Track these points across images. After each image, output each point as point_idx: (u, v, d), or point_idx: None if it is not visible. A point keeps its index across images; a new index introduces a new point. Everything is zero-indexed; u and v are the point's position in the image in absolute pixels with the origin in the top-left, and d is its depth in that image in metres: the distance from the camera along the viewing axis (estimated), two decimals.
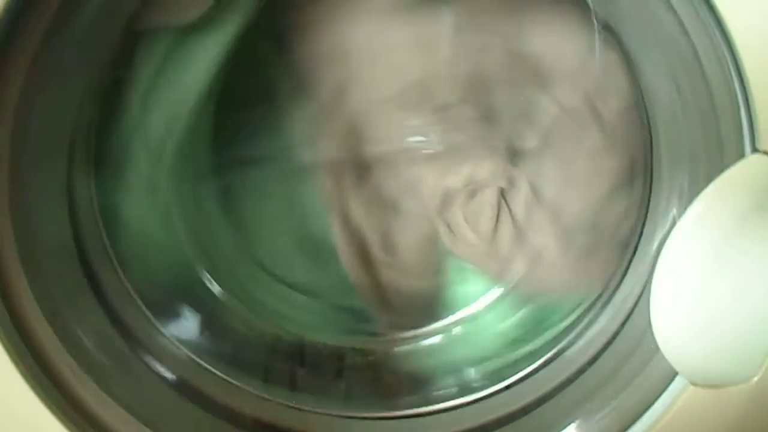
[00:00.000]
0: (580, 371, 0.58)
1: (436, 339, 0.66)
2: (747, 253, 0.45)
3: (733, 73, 0.43)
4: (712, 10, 0.41)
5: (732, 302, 0.46)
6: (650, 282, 0.48)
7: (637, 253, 0.59)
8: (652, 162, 0.56)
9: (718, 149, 0.46)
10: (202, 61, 0.54)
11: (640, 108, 0.56)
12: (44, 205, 0.49)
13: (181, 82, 0.55)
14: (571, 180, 0.62)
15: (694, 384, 0.48)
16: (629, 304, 0.57)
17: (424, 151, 0.64)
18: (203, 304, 0.63)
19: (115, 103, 0.54)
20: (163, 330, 0.59)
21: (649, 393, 0.51)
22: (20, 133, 0.44)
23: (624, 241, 0.59)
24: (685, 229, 0.46)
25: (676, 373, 0.49)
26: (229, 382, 0.61)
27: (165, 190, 0.59)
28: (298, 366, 0.64)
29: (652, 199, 0.57)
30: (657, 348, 0.48)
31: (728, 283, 0.45)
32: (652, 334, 0.48)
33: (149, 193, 0.58)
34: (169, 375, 0.57)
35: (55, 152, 0.49)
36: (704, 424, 0.49)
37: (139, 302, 0.58)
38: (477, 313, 0.67)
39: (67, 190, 0.51)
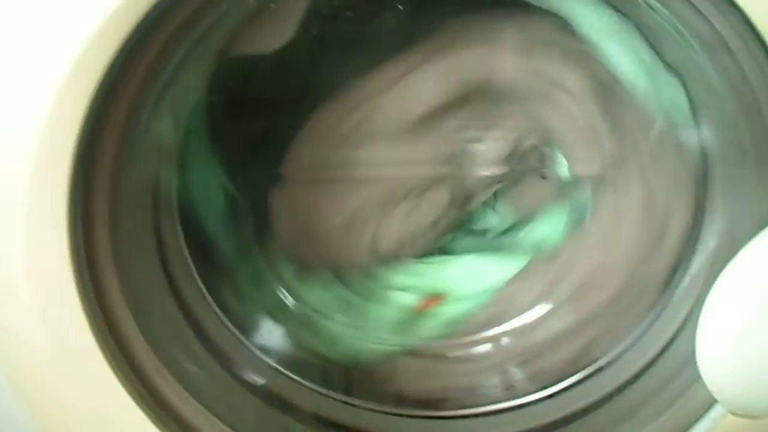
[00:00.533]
0: (622, 388, 0.61)
1: (486, 347, 0.69)
2: None
3: None
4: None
5: None
6: (696, 308, 0.50)
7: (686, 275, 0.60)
8: (705, 199, 0.58)
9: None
10: None
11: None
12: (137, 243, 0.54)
13: None
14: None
15: (733, 413, 0.51)
16: (675, 326, 0.59)
17: None
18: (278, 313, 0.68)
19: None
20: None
21: (687, 418, 0.53)
22: (116, 190, 0.49)
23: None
24: (740, 266, 0.48)
25: (715, 401, 0.52)
26: (291, 378, 0.66)
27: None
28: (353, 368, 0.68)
29: (701, 234, 0.59)
30: (699, 376, 0.50)
31: None
32: (695, 361, 0.50)
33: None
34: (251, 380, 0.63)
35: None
36: None
37: (222, 316, 0.63)
38: (528, 326, 0.69)
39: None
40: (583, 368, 0.64)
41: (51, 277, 0.47)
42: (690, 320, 0.57)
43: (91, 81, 0.43)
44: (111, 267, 0.50)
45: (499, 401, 0.66)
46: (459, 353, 0.69)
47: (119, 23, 0.42)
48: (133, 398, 0.50)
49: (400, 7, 0.59)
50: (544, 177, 0.72)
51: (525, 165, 0.71)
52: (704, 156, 0.58)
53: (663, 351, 0.60)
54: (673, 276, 0.62)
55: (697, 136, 0.59)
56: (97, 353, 0.49)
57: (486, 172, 0.67)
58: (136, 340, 0.52)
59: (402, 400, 0.67)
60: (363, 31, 0.59)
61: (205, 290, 0.63)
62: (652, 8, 0.49)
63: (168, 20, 0.44)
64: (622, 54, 0.59)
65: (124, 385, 0.50)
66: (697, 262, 0.60)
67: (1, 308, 0.47)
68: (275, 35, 0.53)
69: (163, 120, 0.51)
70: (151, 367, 0.53)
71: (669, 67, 0.58)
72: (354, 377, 0.68)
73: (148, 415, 0.51)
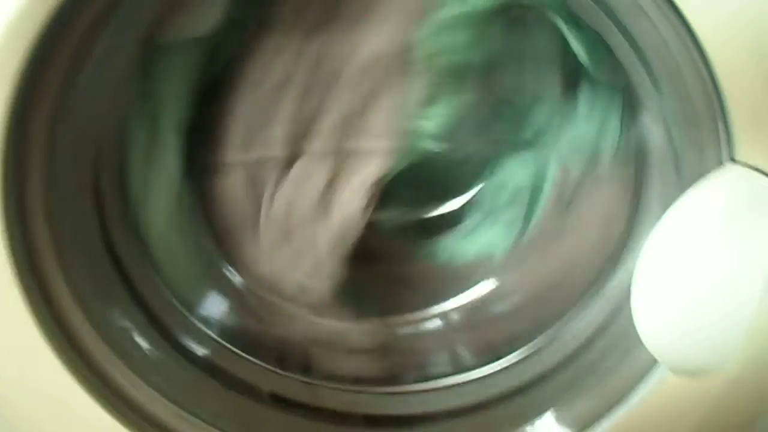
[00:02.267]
0: (572, 357, 0.61)
1: (436, 322, 0.69)
2: (722, 252, 0.47)
3: (711, 87, 0.45)
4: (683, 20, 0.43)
5: (708, 296, 0.48)
6: None
7: (626, 248, 0.61)
8: (645, 164, 0.59)
9: (699, 156, 0.48)
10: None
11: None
12: (76, 208, 0.53)
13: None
14: None
15: (674, 372, 0.51)
16: (622, 293, 0.58)
17: None
18: (227, 291, 0.67)
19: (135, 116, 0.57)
20: (189, 314, 0.63)
21: (630, 380, 0.53)
22: (51, 145, 0.48)
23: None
24: (666, 228, 0.49)
25: (656, 362, 0.52)
26: (249, 360, 0.66)
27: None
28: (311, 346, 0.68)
29: (642, 197, 0.59)
30: (639, 340, 0.51)
31: (705, 278, 0.47)
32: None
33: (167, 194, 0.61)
34: (196, 355, 0.62)
35: (83, 161, 0.53)
36: (682, 410, 0.51)
37: (168, 293, 0.62)
38: (476, 301, 0.69)
39: (94, 193, 0.55)
40: (533, 339, 0.65)
41: None
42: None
43: (12, 66, 0.42)
44: (51, 253, 0.50)
45: (453, 374, 0.67)
46: (410, 330, 0.69)
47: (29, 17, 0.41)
48: (84, 387, 0.50)
49: None
50: None
51: None
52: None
53: (611, 317, 0.60)
54: (619, 248, 0.63)
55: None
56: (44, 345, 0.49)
57: None
58: (81, 325, 0.52)
59: (359, 378, 0.67)
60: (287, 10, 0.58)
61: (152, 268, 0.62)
62: None
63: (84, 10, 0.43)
64: None
65: (74, 375, 0.50)
66: (642, 235, 0.59)
67: None
68: (201, 20, 0.53)
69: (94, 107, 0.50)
70: (99, 353, 0.53)
71: None
72: (311, 357, 0.68)
73: (100, 402, 0.51)
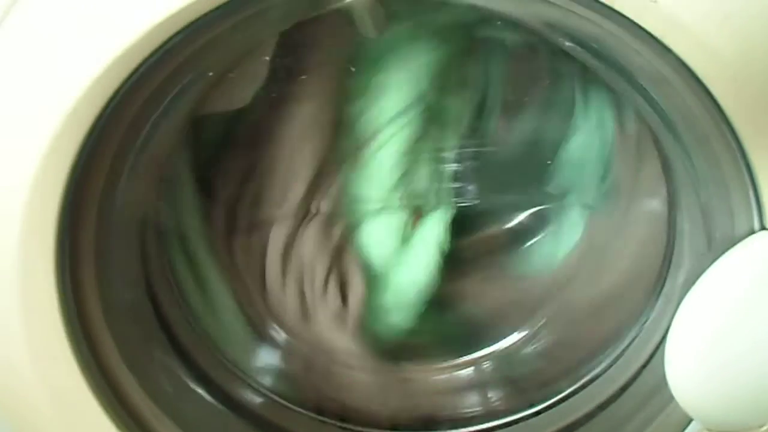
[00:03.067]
0: (603, 406, 0.61)
1: (468, 371, 0.70)
2: (755, 316, 0.48)
3: (739, 155, 0.45)
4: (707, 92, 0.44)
5: (743, 356, 0.49)
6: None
7: (658, 301, 0.62)
8: (675, 222, 0.59)
9: (730, 222, 0.48)
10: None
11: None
12: (123, 272, 0.55)
13: None
14: None
15: (709, 429, 0.52)
16: (654, 345, 0.59)
17: None
18: (269, 346, 0.69)
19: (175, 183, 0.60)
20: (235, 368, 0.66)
21: None
22: (102, 218, 0.50)
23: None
24: (701, 291, 0.49)
25: (691, 419, 0.53)
26: (290, 409, 0.68)
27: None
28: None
29: (673, 257, 0.60)
30: (672, 396, 0.51)
31: (739, 339, 0.48)
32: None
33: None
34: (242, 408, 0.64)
35: (130, 233, 0.56)
36: None
37: (213, 348, 0.64)
38: (508, 349, 0.70)
39: (142, 262, 0.58)
40: (566, 388, 0.65)
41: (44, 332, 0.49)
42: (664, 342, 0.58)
43: (68, 155, 0.44)
44: (101, 318, 0.52)
45: (486, 421, 0.67)
46: (443, 377, 0.70)
47: (92, 100, 0.43)
48: None
49: (352, 69, 0.61)
50: None
51: None
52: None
53: (643, 368, 0.60)
54: (649, 299, 0.63)
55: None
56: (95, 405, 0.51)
57: None
58: (132, 387, 0.54)
59: (396, 424, 0.68)
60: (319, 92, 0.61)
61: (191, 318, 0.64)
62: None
63: (137, 94, 0.45)
64: None
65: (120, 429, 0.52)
66: (670, 286, 0.60)
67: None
68: (236, 98, 0.56)
69: (140, 183, 0.53)
70: (149, 412, 0.54)
71: None
72: (348, 405, 0.69)
73: None
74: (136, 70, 0.44)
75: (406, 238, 0.68)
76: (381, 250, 0.68)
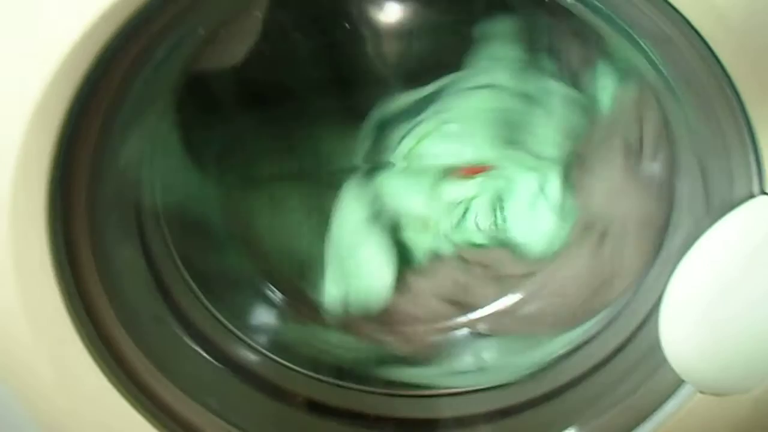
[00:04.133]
0: (595, 368, 0.62)
1: (464, 331, 0.70)
2: (752, 279, 0.47)
3: (742, 119, 0.44)
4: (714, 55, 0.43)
5: (737, 321, 0.48)
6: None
7: (654, 266, 0.61)
8: (674, 185, 0.58)
9: (729, 186, 0.47)
10: None
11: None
12: (117, 229, 0.55)
13: None
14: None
15: (701, 391, 0.52)
16: (646, 309, 0.59)
17: None
18: (265, 306, 0.69)
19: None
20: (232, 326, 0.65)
21: (656, 397, 0.53)
22: (94, 176, 0.49)
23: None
24: (697, 254, 0.49)
25: (683, 381, 0.53)
26: (286, 367, 0.68)
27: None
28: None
29: (671, 220, 0.59)
30: (665, 359, 0.51)
31: (734, 303, 0.48)
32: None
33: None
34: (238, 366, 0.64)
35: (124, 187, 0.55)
36: (708, 429, 0.52)
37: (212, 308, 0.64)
38: (502, 311, 0.70)
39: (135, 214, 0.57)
40: (559, 349, 0.65)
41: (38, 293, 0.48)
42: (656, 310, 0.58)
43: (59, 111, 0.43)
44: (96, 278, 0.52)
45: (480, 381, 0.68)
46: (437, 337, 0.70)
47: (81, 55, 0.42)
48: (129, 402, 0.52)
49: (346, 25, 0.59)
50: None
51: None
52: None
53: (635, 332, 0.60)
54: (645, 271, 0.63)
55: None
56: (94, 367, 0.51)
57: None
58: (128, 345, 0.54)
59: (391, 382, 0.69)
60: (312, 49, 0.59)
61: (187, 278, 0.64)
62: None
63: (127, 50, 0.44)
64: None
65: (118, 390, 0.52)
66: (667, 250, 0.60)
67: None
68: (228, 55, 0.54)
69: (133, 142, 0.52)
70: (145, 370, 0.54)
71: None
72: (344, 362, 0.70)
73: (146, 417, 0.52)
74: (125, 25, 0.42)
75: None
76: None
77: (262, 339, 0.67)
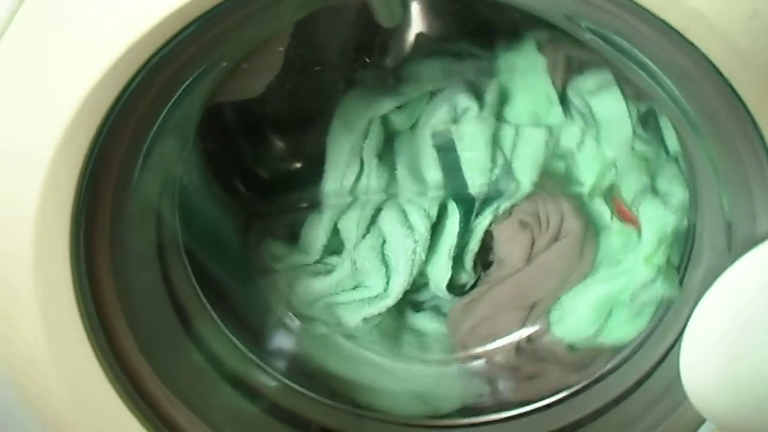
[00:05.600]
0: (614, 403, 0.61)
1: (480, 362, 0.68)
2: None
3: (763, 156, 0.44)
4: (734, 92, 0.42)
5: (759, 360, 0.48)
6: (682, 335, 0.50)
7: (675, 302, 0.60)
8: (694, 230, 0.58)
9: (752, 224, 0.47)
10: None
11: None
12: (138, 257, 0.56)
13: None
14: None
15: (722, 430, 0.51)
16: (666, 345, 0.58)
17: None
18: (284, 331, 0.69)
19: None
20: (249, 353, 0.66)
21: None
22: (117, 207, 0.50)
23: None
24: (720, 290, 0.48)
25: (704, 419, 0.51)
26: (302, 394, 0.68)
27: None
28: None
29: (692, 254, 0.59)
30: (686, 396, 0.50)
31: (756, 342, 0.47)
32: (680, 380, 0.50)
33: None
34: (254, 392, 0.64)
35: (146, 217, 0.55)
36: None
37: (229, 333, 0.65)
38: (520, 342, 0.69)
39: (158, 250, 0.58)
40: (576, 383, 0.65)
41: (60, 320, 0.49)
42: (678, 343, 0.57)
43: (83, 146, 0.44)
44: (117, 305, 0.52)
45: (496, 412, 0.67)
46: (454, 367, 0.69)
47: (106, 90, 0.43)
48: (146, 428, 0.52)
49: (367, 60, 0.59)
50: None
51: None
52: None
53: (655, 368, 0.59)
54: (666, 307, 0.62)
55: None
56: (111, 392, 0.51)
57: None
58: (146, 371, 0.54)
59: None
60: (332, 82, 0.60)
61: (207, 304, 0.64)
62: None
63: (152, 83, 0.45)
64: None
65: (135, 415, 0.52)
66: (688, 285, 0.59)
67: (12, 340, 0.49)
68: (249, 88, 0.55)
69: (156, 171, 0.52)
70: (159, 394, 0.54)
71: None
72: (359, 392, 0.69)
73: None
74: (150, 59, 0.43)
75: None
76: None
77: (279, 365, 0.67)
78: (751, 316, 0.47)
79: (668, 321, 0.60)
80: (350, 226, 0.64)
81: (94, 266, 0.50)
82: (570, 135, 0.60)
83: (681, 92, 0.46)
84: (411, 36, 0.65)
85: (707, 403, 0.50)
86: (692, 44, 0.41)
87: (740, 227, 0.48)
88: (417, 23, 0.65)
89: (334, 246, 0.68)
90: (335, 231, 0.66)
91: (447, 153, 0.60)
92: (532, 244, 0.63)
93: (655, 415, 0.56)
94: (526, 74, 0.61)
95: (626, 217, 0.62)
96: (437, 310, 0.72)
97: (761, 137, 0.43)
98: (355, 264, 0.65)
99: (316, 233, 0.65)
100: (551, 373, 0.66)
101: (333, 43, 0.57)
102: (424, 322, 0.70)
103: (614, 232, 0.63)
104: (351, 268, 0.65)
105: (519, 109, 0.62)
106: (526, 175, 0.59)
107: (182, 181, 0.58)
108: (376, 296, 0.64)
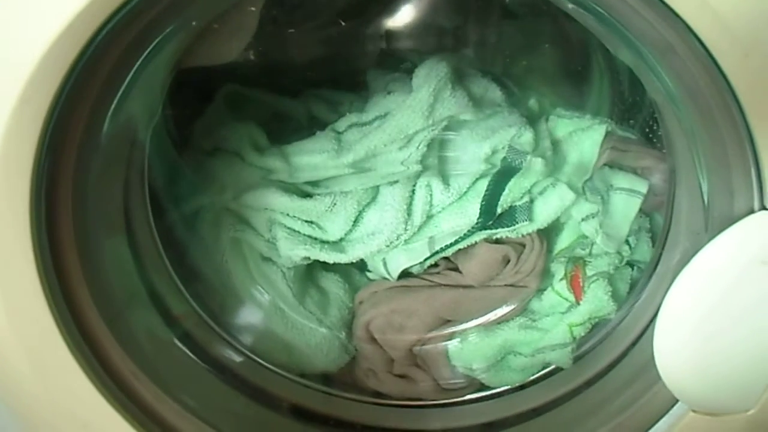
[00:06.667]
0: (589, 383, 0.61)
1: (454, 342, 0.68)
2: (748, 298, 0.46)
3: (745, 134, 0.43)
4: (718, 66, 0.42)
5: (732, 340, 0.47)
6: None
7: (651, 280, 0.60)
8: (673, 200, 0.57)
9: (729, 201, 0.46)
10: None
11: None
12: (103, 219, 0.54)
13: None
14: None
15: (694, 411, 0.51)
16: (641, 326, 0.59)
17: None
18: (255, 307, 0.67)
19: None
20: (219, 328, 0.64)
21: (649, 416, 0.52)
22: (81, 166, 0.47)
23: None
24: (694, 270, 0.47)
25: (677, 399, 0.51)
26: (273, 371, 0.66)
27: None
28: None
29: (669, 236, 0.58)
30: (660, 377, 0.50)
31: (729, 322, 0.47)
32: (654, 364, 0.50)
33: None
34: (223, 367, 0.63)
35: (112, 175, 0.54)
36: None
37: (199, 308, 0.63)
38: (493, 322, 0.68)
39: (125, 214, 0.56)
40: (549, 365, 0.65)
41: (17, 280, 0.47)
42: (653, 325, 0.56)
43: (42, 107, 0.42)
44: (80, 272, 0.50)
45: (473, 392, 0.67)
46: (429, 346, 0.68)
47: (70, 42, 0.41)
48: (110, 403, 0.50)
49: (342, 22, 0.58)
50: None
51: None
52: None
53: (629, 349, 0.60)
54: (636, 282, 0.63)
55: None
56: (72, 363, 0.49)
57: None
58: (110, 344, 0.52)
59: (380, 393, 0.68)
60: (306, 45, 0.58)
61: (177, 279, 0.63)
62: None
63: (117, 40, 0.43)
64: None
65: (100, 391, 0.50)
66: (664, 266, 0.59)
67: None
68: (222, 52, 0.53)
69: (122, 132, 0.50)
70: (126, 370, 0.53)
71: None
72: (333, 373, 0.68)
73: (127, 419, 0.51)
74: (116, 13, 0.41)
75: None
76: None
77: (248, 340, 0.66)
78: (723, 296, 0.47)
79: (643, 303, 0.60)
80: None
81: (57, 236, 0.48)
82: (581, 209, 0.62)
83: (662, 66, 0.46)
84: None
85: (680, 383, 0.49)
86: (677, 15, 0.40)
87: (717, 206, 0.48)
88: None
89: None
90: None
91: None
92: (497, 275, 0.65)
93: (629, 396, 0.55)
94: (582, 140, 0.63)
95: (575, 286, 0.64)
96: (346, 277, 0.71)
97: (742, 113, 0.42)
98: (333, 203, 0.62)
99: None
100: (422, 382, 0.68)
101: (307, 5, 0.55)
102: (329, 284, 0.70)
103: (554, 292, 0.65)
104: (327, 203, 0.62)
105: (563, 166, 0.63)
106: (540, 218, 0.61)
107: (151, 146, 0.56)
108: (326, 242, 0.63)
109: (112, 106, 0.48)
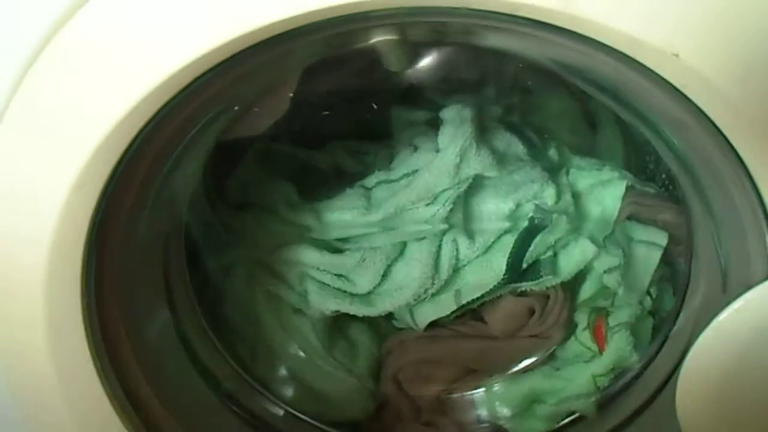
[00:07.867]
0: None
1: (479, 392, 0.70)
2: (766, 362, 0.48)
3: (756, 201, 0.45)
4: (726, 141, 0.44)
5: (752, 401, 0.49)
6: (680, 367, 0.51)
7: (674, 328, 0.62)
8: (692, 250, 0.59)
9: (746, 267, 0.48)
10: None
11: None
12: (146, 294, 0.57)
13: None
14: None
15: None
16: (662, 377, 0.60)
17: None
18: (286, 360, 0.69)
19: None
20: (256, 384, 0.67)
21: None
22: (126, 241, 0.51)
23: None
24: (715, 332, 0.49)
25: None
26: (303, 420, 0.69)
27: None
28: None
29: (690, 284, 0.60)
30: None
31: (749, 385, 0.49)
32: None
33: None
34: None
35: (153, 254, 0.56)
36: None
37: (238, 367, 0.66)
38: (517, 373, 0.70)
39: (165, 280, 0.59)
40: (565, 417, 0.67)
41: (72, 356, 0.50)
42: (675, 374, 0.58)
43: (98, 184, 0.45)
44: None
45: None
46: (455, 395, 0.70)
47: (124, 130, 0.43)
48: None
49: (374, 106, 0.61)
50: None
51: None
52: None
53: (655, 395, 0.61)
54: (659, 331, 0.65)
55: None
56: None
57: None
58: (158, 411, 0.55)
59: None
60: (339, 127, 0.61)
61: (215, 340, 0.66)
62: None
63: (168, 125, 0.46)
64: None
65: None
66: (684, 313, 0.61)
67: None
68: (255, 128, 0.56)
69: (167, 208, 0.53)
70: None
71: None
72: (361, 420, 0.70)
73: None
74: (168, 103, 0.44)
75: None
76: None
77: (279, 390, 0.68)
78: (741, 360, 0.48)
79: (665, 352, 0.61)
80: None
81: (104, 311, 0.50)
82: (603, 262, 0.64)
83: (678, 140, 0.48)
84: None
85: None
86: (689, 99, 0.42)
87: (735, 271, 0.50)
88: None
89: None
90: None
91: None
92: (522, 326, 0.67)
93: None
94: (604, 195, 0.66)
95: (598, 336, 0.66)
96: (373, 326, 0.72)
97: (754, 185, 0.44)
98: (362, 258, 0.64)
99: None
100: (449, 430, 0.69)
101: (340, 89, 0.58)
102: (357, 333, 0.72)
103: (578, 342, 0.67)
104: (357, 258, 0.64)
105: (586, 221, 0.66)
106: (564, 271, 0.64)
107: (193, 217, 0.59)
108: (355, 296, 0.65)
109: (158, 185, 0.51)
